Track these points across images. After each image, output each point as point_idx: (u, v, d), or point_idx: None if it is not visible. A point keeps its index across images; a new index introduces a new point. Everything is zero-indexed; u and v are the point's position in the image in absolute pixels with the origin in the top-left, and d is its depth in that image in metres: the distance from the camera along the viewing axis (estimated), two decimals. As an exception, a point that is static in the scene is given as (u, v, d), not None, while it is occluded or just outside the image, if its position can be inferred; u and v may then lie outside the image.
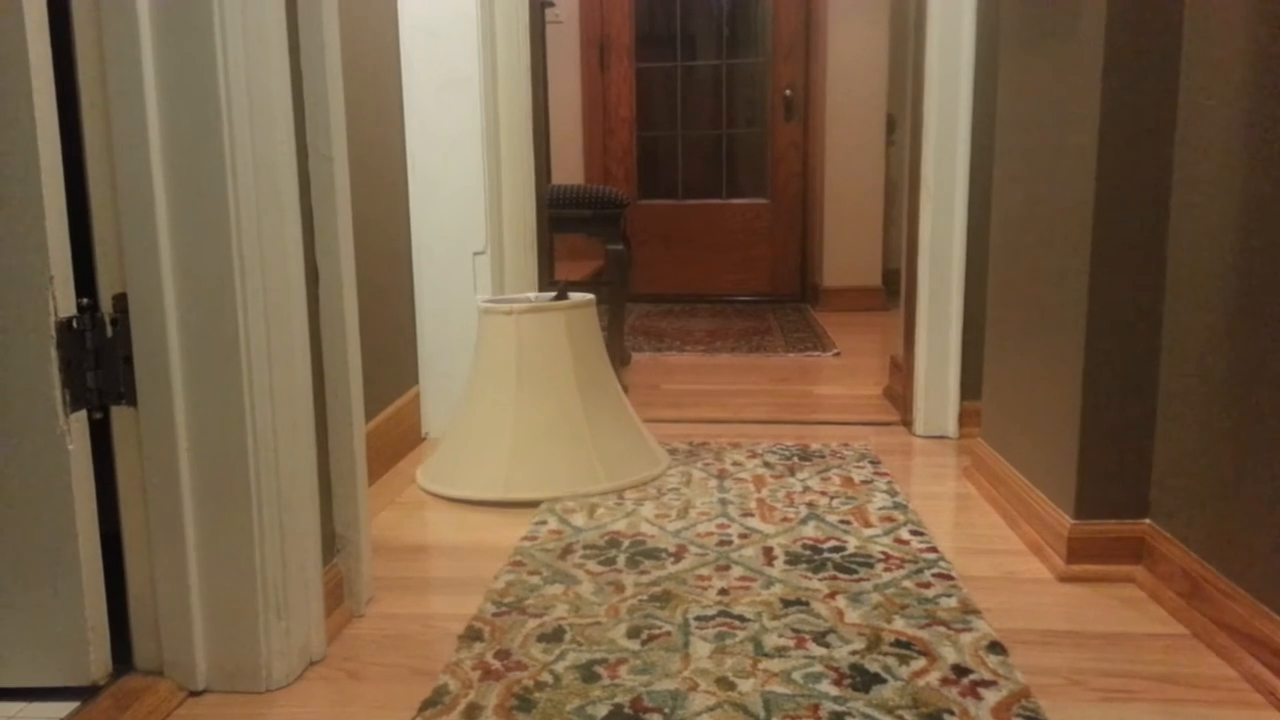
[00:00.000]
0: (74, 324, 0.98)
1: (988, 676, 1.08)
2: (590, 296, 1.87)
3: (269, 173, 1.05)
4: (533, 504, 1.69)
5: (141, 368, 1.01)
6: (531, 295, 1.96)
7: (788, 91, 4.63)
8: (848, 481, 1.80)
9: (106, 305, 1.01)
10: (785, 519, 1.60)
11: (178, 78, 0.98)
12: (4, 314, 0.96)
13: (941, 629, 1.20)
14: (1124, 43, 1.28)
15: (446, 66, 2.03)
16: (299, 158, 1.14)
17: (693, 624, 1.21)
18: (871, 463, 1.93)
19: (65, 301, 0.97)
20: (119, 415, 1.03)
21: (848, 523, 1.58)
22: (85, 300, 1.00)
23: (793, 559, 1.42)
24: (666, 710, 1.01)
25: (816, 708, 1.01)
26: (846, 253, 4.41)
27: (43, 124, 0.94)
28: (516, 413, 1.77)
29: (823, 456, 1.97)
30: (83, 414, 1.00)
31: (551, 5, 4.06)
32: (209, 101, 0.98)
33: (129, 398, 1.02)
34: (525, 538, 1.54)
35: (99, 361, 1.01)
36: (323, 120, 1.19)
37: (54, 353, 0.96)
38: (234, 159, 1.00)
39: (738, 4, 4.69)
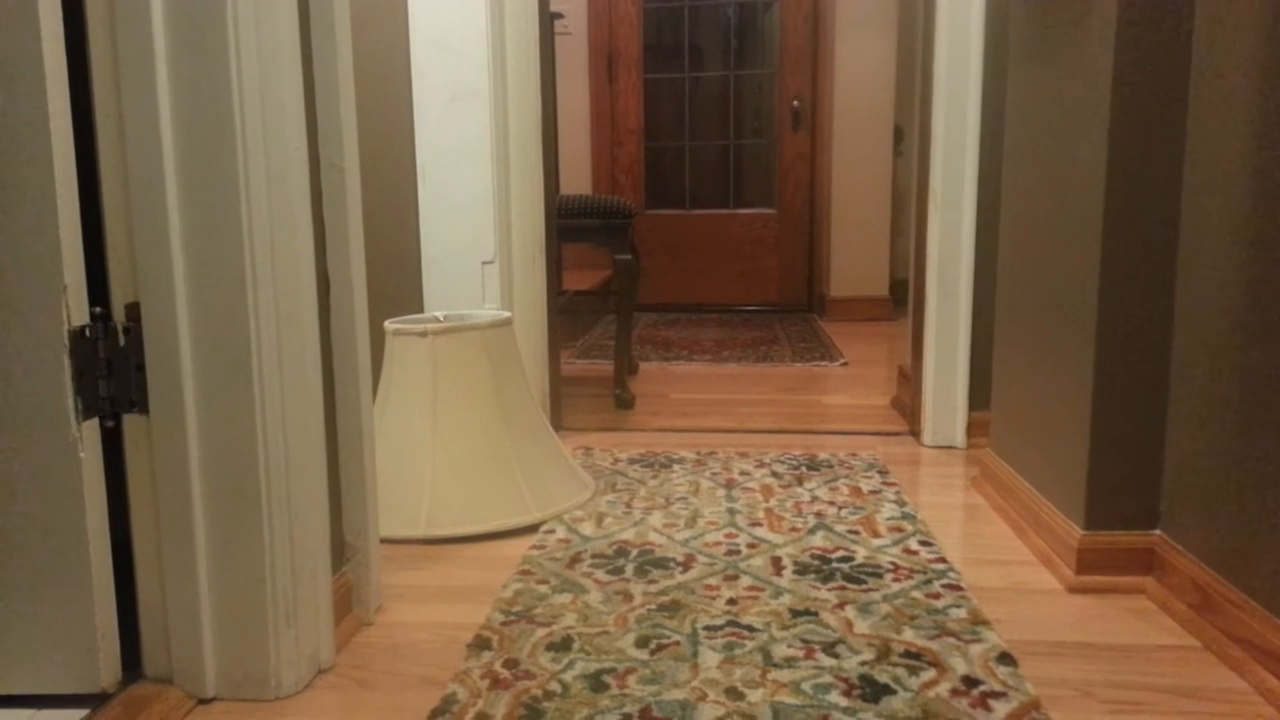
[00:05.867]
0: (87, 332, 0.99)
1: (998, 688, 1.08)
2: (508, 314, 1.78)
3: (281, 183, 1.05)
4: (455, 540, 1.59)
5: (153, 376, 1.02)
6: (441, 315, 1.83)
7: (795, 102, 4.64)
8: (856, 491, 1.80)
9: (119, 314, 1.02)
10: (794, 529, 1.60)
11: (191, 88, 0.99)
12: (18, 322, 0.96)
13: (951, 640, 1.19)
14: (1133, 53, 1.28)
15: (457, 78, 2.04)
16: (311, 168, 1.15)
17: (701, 634, 1.21)
18: (880, 473, 1.92)
19: (78, 310, 0.98)
20: (131, 423, 1.04)
21: (856, 533, 1.58)
22: (98, 309, 1.00)
23: (801, 569, 1.42)
24: (675, 720, 1.01)
25: (826, 718, 1.01)
26: (853, 263, 4.41)
27: (57, 134, 0.94)
28: (435, 442, 1.64)
29: (831, 466, 1.97)
30: (94, 422, 1.01)
31: (561, 17, 4.08)
32: (222, 112, 0.99)
33: (141, 406, 1.03)
34: (533, 547, 1.54)
35: (111, 370, 1.01)
36: (335, 131, 1.20)
37: (67, 361, 0.97)
38: (247, 169, 1.00)
39: (745, 15, 4.71)
